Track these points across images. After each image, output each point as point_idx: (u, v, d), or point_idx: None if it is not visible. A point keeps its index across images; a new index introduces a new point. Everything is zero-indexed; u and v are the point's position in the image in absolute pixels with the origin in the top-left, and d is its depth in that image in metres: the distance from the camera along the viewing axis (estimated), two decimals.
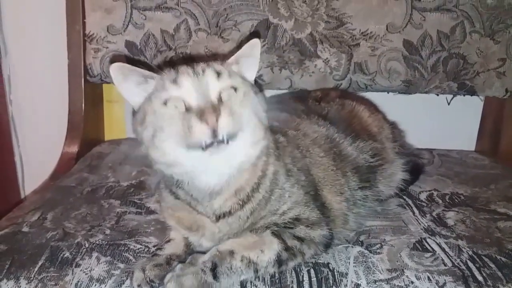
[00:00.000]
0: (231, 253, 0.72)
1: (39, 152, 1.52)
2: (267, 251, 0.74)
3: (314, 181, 0.86)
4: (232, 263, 0.72)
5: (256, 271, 0.73)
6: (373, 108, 1.14)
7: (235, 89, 0.72)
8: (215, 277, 0.70)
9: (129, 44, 1.24)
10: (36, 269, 0.76)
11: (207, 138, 0.67)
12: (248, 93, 0.74)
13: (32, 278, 0.75)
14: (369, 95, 1.30)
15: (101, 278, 0.75)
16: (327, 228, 0.82)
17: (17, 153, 1.56)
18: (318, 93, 1.15)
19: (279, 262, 0.75)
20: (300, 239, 0.78)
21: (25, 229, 0.88)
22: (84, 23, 1.24)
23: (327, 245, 0.82)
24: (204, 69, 0.72)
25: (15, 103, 1.50)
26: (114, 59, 0.73)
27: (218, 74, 0.72)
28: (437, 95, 1.34)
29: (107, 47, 1.24)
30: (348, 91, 1.27)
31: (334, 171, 0.90)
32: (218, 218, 0.78)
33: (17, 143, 1.54)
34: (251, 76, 0.80)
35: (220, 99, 0.71)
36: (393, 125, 1.12)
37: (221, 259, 0.72)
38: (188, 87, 0.71)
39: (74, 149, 1.27)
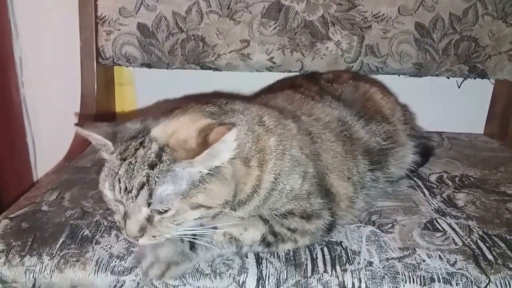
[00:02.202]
0: (213, 228, 0.75)
1: (51, 134, 1.53)
2: (252, 229, 0.77)
3: (322, 167, 0.85)
4: (213, 236, 0.74)
5: (239, 247, 0.76)
6: (385, 90, 1.15)
7: (167, 210, 0.68)
8: (191, 247, 0.73)
9: (141, 27, 1.24)
10: (57, 246, 0.79)
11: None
12: (183, 212, 0.68)
13: (54, 255, 0.77)
14: (380, 77, 1.31)
15: (121, 255, 0.77)
16: (330, 214, 0.82)
17: (29, 135, 1.57)
18: (330, 75, 1.15)
19: (266, 243, 0.77)
20: (291, 230, 0.78)
21: (45, 208, 0.90)
22: (96, 5, 1.24)
23: (329, 230, 0.82)
24: (137, 195, 0.67)
25: (27, 85, 1.51)
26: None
27: (149, 204, 0.67)
28: (448, 78, 1.34)
29: (119, 29, 1.24)
30: (360, 73, 1.27)
31: (344, 156, 0.90)
32: None
33: (29, 124, 1.56)
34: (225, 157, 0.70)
35: (149, 220, 0.69)
36: (404, 108, 1.12)
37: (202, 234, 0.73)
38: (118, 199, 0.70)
39: None
